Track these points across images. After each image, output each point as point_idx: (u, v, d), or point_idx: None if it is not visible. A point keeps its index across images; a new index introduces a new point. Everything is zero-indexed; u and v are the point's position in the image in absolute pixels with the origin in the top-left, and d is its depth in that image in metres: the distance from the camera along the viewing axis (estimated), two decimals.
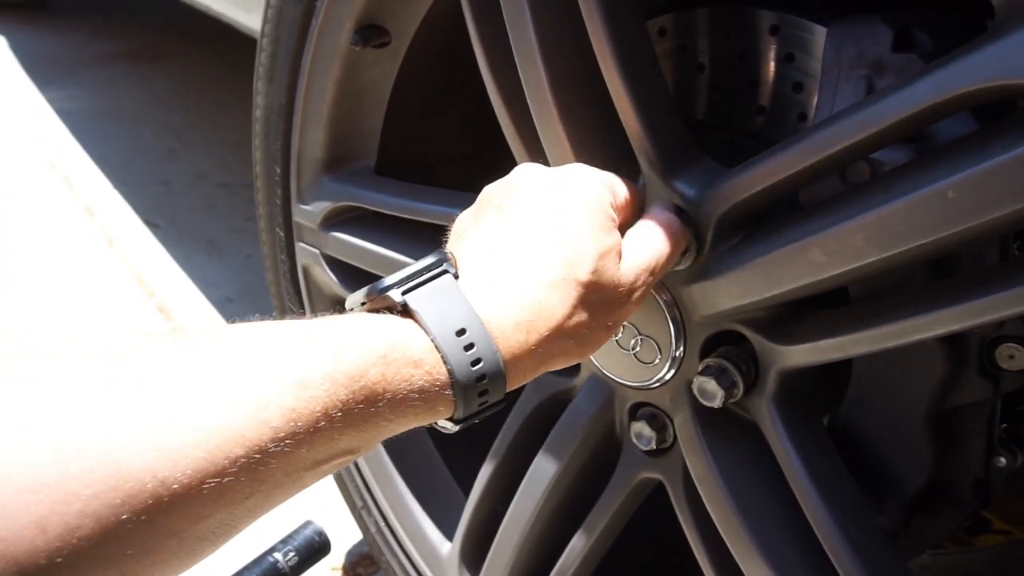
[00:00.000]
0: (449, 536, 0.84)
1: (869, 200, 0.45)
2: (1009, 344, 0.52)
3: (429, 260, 0.46)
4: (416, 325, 0.42)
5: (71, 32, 3.40)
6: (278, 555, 0.66)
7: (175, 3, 2.08)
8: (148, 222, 1.98)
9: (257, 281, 1.74)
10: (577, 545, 0.71)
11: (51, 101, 2.69)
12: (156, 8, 3.49)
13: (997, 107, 0.45)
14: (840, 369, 0.59)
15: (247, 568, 0.65)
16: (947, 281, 0.47)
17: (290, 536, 0.68)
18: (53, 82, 2.86)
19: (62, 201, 2.07)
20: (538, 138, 0.61)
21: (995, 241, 0.50)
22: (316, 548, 0.68)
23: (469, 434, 0.90)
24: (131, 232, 1.94)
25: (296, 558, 0.66)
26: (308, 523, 0.69)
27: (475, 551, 0.81)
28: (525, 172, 0.52)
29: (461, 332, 0.43)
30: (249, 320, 0.42)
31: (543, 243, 0.46)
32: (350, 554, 1.13)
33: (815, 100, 0.62)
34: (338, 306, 0.86)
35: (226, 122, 2.52)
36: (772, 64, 0.63)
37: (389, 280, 0.45)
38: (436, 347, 0.42)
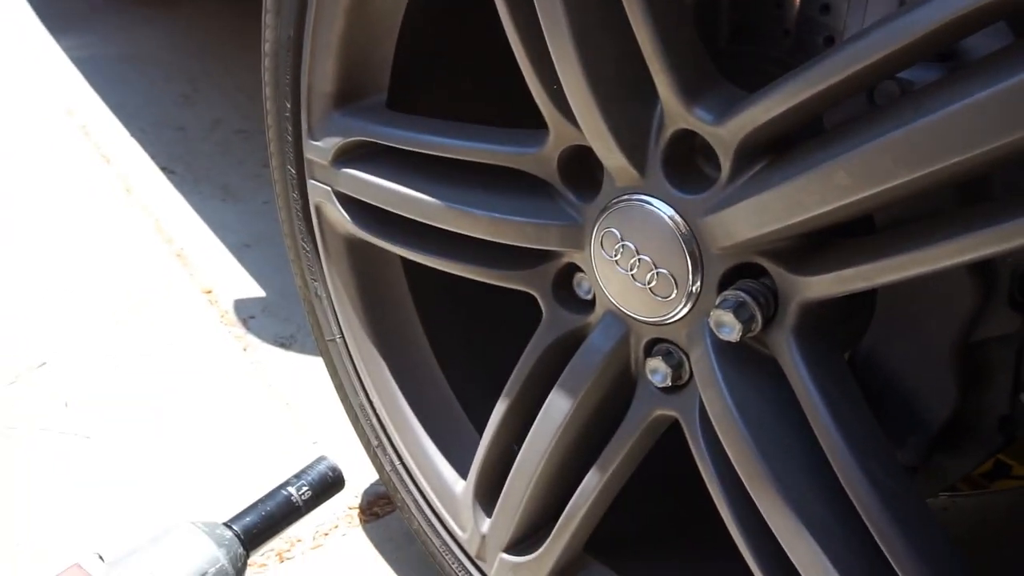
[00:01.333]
0: (463, 474, 0.84)
1: (898, 119, 0.43)
2: None
3: None
4: None
5: None
6: (291, 489, 0.67)
7: None
8: (165, 169, 1.98)
9: (274, 227, 1.73)
10: (591, 483, 0.71)
11: (66, 49, 2.67)
12: None
13: None
14: (863, 303, 0.57)
15: (261, 501, 0.66)
16: (977, 205, 0.45)
17: (304, 471, 0.69)
18: (68, 30, 2.83)
19: (79, 149, 2.07)
20: (552, 64, 0.59)
21: None
22: (330, 483, 0.69)
23: (484, 373, 0.90)
24: (148, 179, 1.93)
25: (309, 492, 0.66)
26: (322, 458, 0.70)
27: (489, 489, 0.81)
28: None
29: None
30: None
31: None
32: (367, 493, 1.14)
33: (843, 22, 0.60)
34: (351, 244, 0.85)
35: (242, 67, 2.50)
36: None
37: None
38: None
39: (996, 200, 0.47)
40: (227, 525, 0.63)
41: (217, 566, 0.57)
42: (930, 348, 0.54)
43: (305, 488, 0.66)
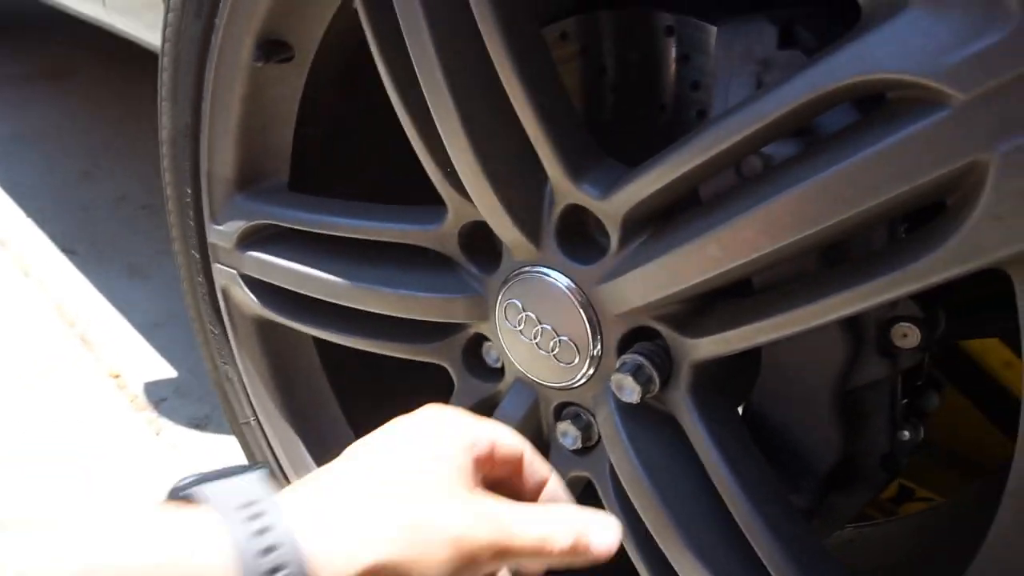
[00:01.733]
0: None
1: (757, 194, 0.47)
2: (903, 324, 0.54)
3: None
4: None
5: None
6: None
7: (81, 22, 2.02)
8: (66, 249, 1.92)
9: (184, 304, 1.71)
10: None
11: None
12: (62, 28, 3.37)
13: (876, 98, 0.47)
14: (751, 359, 0.61)
15: None
16: (840, 267, 0.49)
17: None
18: None
19: None
20: (445, 149, 0.61)
21: (883, 226, 0.52)
22: None
23: None
24: (48, 261, 1.87)
25: None
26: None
27: None
28: (391, 430, 0.47)
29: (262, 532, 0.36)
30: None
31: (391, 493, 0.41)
32: None
33: (712, 97, 0.64)
34: (259, 325, 0.85)
35: (144, 139, 2.46)
36: (671, 64, 0.65)
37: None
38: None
39: (858, 261, 0.51)
40: None
41: None
42: (812, 398, 0.58)
43: None
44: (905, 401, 0.60)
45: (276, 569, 0.35)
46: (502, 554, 0.42)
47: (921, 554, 0.79)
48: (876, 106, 0.44)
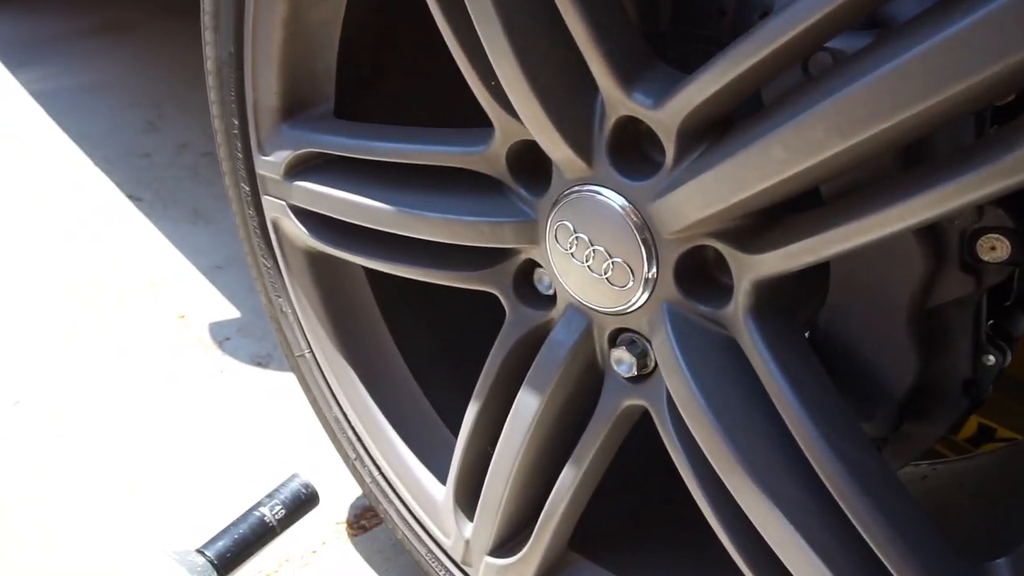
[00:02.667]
0: (443, 480, 0.83)
1: (828, 88, 0.42)
2: (990, 235, 0.49)
3: None
4: None
5: (41, 10, 3.32)
6: (264, 509, 0.66)
7: None
8: (132, 196, 1.96)
9: None
10: (567, 479, 0.70)
11: (25, 83, 2.64)
12: None
13: None
14: (818, 278, 0.57)
15: (234, 524, 0.65)
16: (918, 168, 0.45)
17: (276, 490, 0.68)
18: (28, 63, 2.81)
19: (42, 184, 2.05)
20: (490, 61, 0.58)
21: (970, 122, 0.47)
22: (303, 500, 0.68)
23: (456, 376, 0.89)
24: (116, 207, 1.91)
25: (283, 511, 0.65)
26: (294, 476, 0.69)
27: (468, 493, 0.80)
28: None
29: None
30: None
31: None
32: (353, 507, 1.13)
33: None
34: (310, 257, 0.84)
35: (204, 89, 2.48)
36: None
37: None
38: None
39: (935, 161, 0.47)
40: (200, 552, 0.61)
41: None
42: (887, 318, 0.54)
43: (279, 507, 0.65)
44: (991, 322, 0.55)
45: None
46: None
47: (1000, 491, 0.74)
48: None
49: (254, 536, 0.64)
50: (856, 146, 0.42)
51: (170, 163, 2.11)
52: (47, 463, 1.23)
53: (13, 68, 2.75)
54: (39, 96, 2.54)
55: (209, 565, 0.59)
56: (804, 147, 0.43)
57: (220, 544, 0.61)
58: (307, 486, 0.68)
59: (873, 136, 0.41)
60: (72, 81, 2.65)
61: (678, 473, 0.65)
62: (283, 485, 0.68)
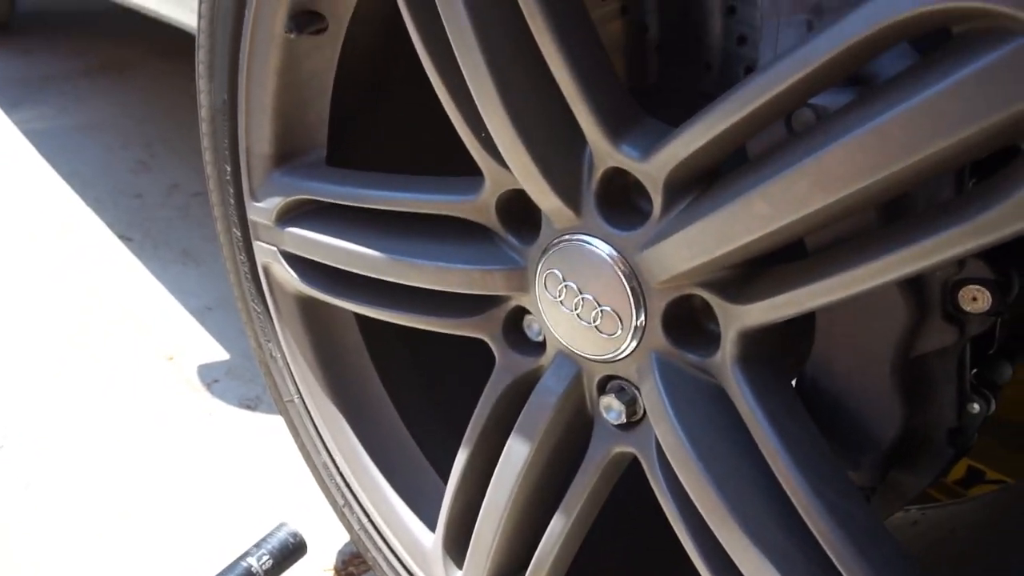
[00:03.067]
0: (432, 527, 0.83)
1: (810, 146, 0.43)
2: (971, 286, 0.50)
3: None
4: None
5: (35, 51, 3.36)
6: (252, 559, 0.65)
7: (136, 15, 2.05)
8: (123, 236, 1.96)
9: None
10: (556, 527, 0.70)
11: (18, 123, 2.66)
12: (118, 21, 3.45)
13: (938, 36, 0.43)
14: (804, 327, 0.57)
15: (222, 571, 0.64)
16: (900, 222, 0.46)
17: (264, 539, 0.67)
18: (22, 103, 2.83)
19: (31, 221, 2.05)
20: (480, 116, 0.59)
21: (950, 178, 0.48)
22: (291, 550, 0.67)
23: (445, 422, 0.89)
24: (106, 247, 1.91)
25: (271, 561, 0.65)
26: (282, 525, 0.68)
27: (457, 540, 0.80)
28: None
29: None
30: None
31: None
32: (341, 553, 1.11)
33: (759, 52, 0.61)
34: (301, 303, 0.84)
35: (195, 130, 2.50)
36: (716, 19, 0.62)
37: None
38: None
39: (919, 216, 0.48)
40: None
41: None
42: (871, 367, 0.54)
43: (266, 557, 0.64)
44: (975, 371, 0.56)
45: None
46: None
47: (991, 539, 0.74)
48: (938, 44, 0.40)
49: None
50: (838, 202, 0.43)
51: (161, 203, 2.12)
52: (36, 501, 1.21)
53: (7, 108, 2.77)
54: (32, 136, 2.55)
55: None
56: (787, 202, 0.44)
57: None
58: (295, 535, 0.67)
59: (855, 192, 0.42)
60: (65, 121, 2.67)
61: (666, 519, 0.65)
62: (271, 535, 0.68)
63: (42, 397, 1.42)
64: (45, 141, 2.50)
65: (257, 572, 0.63)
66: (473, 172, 0.67)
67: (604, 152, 0.56)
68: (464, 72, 0.58)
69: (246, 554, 0.65)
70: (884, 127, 0.42)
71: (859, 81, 0.50)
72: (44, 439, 1.33)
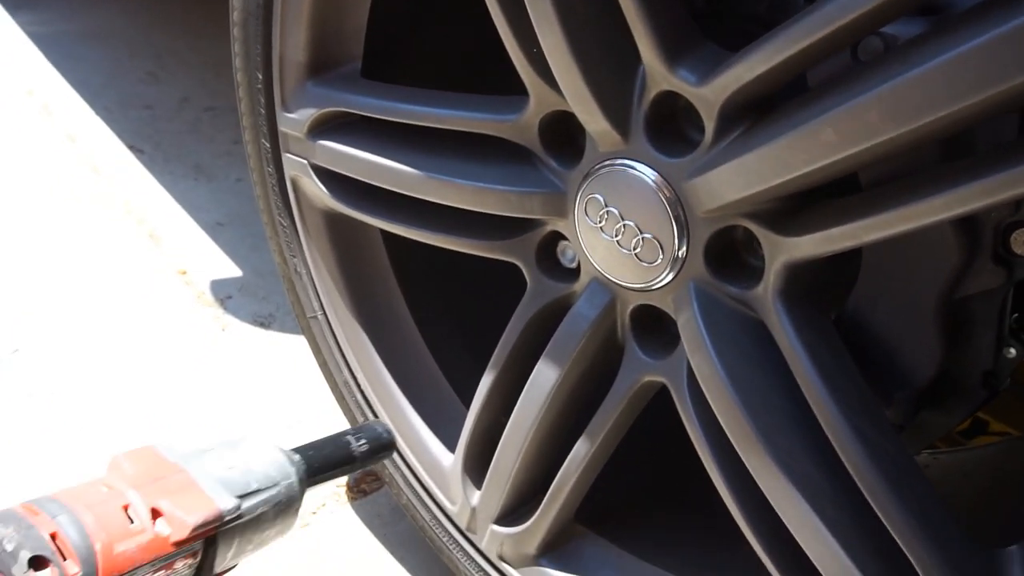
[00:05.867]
0: (451, 447, 0.84)
1: (884, 74, 0.42)
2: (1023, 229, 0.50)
3: None
4: None
5: None
6: (351, 438, 0.66)
7: None
8: (133, 147, 1.93)
9: (248, 205, 1.71)
10: (580, 452, 0.71)
11: (23, 24, 2.59)
12: None
13: None
14: (848, 262, 0.57)
15: (321, 442, 0.65)
16: (961, 160, 0.45)
17: (360, 427, 0.69)
18: (24, 4, 2.75)
19: (42, 129, 2.02)
20: (532, 28, 0.58)
21: (1014, 117, 0.47)
22: (384, 443, 0.68)
23: (469, 344, 0.89)
24: (116, 159, 1.89)
25: (367, 446, 0.66)
26: (376, 420, 0.69)
27: (477, 461, 0.81)
28: None
29: None
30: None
31: None
32: None
33: None
34: (329, 218, 0.84)
35: (208, 42, 2.44)
36: None
37: None
38: None
39: (979, 154, 0.47)
40: (295, 451, 0.61)
41: (288, 482, 0.56)
42: (915, 306, 0.54)
43: (364, 441, 0.65)
44: (1016, 315, 0.56)
45: None
46: None
47: (1006, 485, 0.76)
48: None
49: (338, 459, 0.63)
50: (909, 133, 0.42)
51: (172, 116, 2.08)
52: (46, 408, 1.22)
53: (10, 9, 2.70)
54: (37, 39, 2.49)
55: (301, 465, 0.59)
56: (857, 131, 0.44)
57: (309, 454, 0.61)
58: (388, 431, 0.68)
59: (927, 124, 0.41)
60: (70, 27, 2.61)
61: (682, 450, 0.66)
62: (366, 425, 0.69)
63: (55, 306, 1.43)
64: (51, 47, 2.44)
65: (355, 451, 0.65)
66: (514, 92, 0.65)
67: (659, 74, 0.55)
68: None
69: (345, 433, 0.66)
70: (962, 59, 0.40)
71: (929, 11, 0.49)
72: (58, 349, 1.34)
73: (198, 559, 0.50)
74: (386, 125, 0.74)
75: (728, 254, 0.58)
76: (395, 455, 0.90)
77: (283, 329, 1.39)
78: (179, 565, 0.49)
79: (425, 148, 0.74)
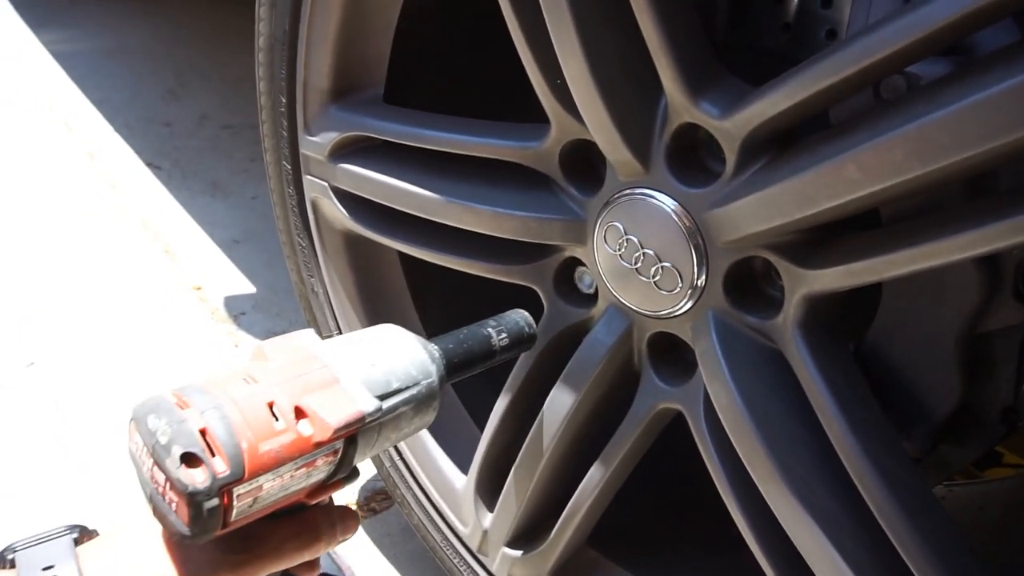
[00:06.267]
0: (464, 469, 0.84)
1: (910, 113, 0.43)
2: None
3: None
4: None
5: None
6: (491, 330, 0.63)
7: None
8: (151, 164, 1.96)
9: (264, 222, 1.73)
10: (594, 477, 0.71)
11: (47, 43, 2.63)
12: None
13: None
14: (868, 295, 0.57)
15: (460, 333, 0.62)
16: (984, 200, 0.45)
17: (500, 318, 0.65)
18: (48, 23, 2.80)
19: (62, 145, 2.05)
20: (557, 60, 0.58)
21: None
22: (525, 336, 0.64)
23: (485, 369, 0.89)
24: (134, 175, 1.91)
25: (507, 339, 0.63)
26: (518, 310, 0.65)
27: (490, 484, 0.81)
28: None
29: None
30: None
31: None
32: (363, 490, 1.13)
33: (846, 15, 0.60)
34: (348, 240, 0.84)
35: (227, 60, 2.48)
36: None
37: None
38: None
39: (1002, 194, 0.47)
40: (434, 343, 0.59)
41: (428, 380, 0.54)
42: (936, 340, 0.54)
43: (504, 334, 0.62)
44: None
45: None
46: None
47: (1012, 522, 0.75)
48: None
49: (478, 352, 0.59)
50: (935, 172, 0.42)
51: (190, 133, 2.11)
52: (64, 419, 1.23)
53: (34, 27, 2.74)
54: (60, 57, 2.53)
55: (441, 359, 0.57)
56: (882, 169, 0.44)
57: (449, 346, 0.58)
58: (530, 324, 0.64)
59: (951, 164, 0.42)
60: (94, 44, 2.65)
61: (694, 476, 0.66)
62: (506, 315, 0.65)
63: (70, 320, 1.44)
64: (74, 64, 2.48)
65: (495, 344, 0.62)
66: (535, 120, 0.66)
67: (681, 107, 0.56)
68: (546, 17, 0.57)
69: (484, 324, 0.63)
70: (990, 100, 0.41)
71: (955, 51, 0.49)
72: (73, 360, 1.35)
73: (338, 456, 0.50)
74: (407, 150, 0.75)
75: (747, 284, 0.58)
76: (408, 476, 0.90)
77: None
78: (320, 463, 0.49)
79: (445, 173, 0.74)
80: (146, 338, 1.40)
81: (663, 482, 0.85)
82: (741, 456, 0.58)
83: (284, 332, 1.44)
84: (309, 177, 0.84)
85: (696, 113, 0.55)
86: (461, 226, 0.73)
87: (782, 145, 0.53)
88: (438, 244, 0.78)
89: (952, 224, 0.45)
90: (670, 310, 0.62)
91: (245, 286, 1.55)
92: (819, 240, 0.53)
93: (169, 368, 1.34)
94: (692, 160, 0.58)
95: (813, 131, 0.52)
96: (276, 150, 0.87)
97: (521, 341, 0.64)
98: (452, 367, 0.58)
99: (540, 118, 0.65)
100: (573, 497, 0.73)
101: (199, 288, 1.53)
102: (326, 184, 0.82)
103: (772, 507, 0.57)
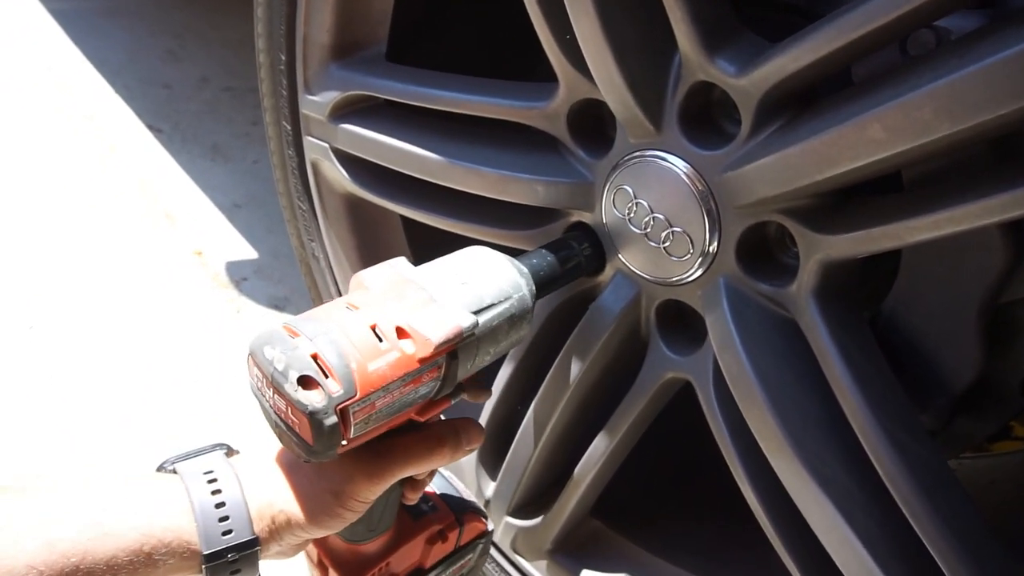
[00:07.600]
0: None
1: (940, 69, 0.41)
2: None
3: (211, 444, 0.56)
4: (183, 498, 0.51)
5: None
6: (573, 241, 0.64)
7: None
8: (151, 127, 1.93)
9: (265, 187, 1.71)
10: (599, 447, 0.70)
11: (44, 1, 2.59)
12: None
13: None
14: (886, 262, 0.55)
15: (545, 248, 0.63)
16: (1013, 162, 0.43)
17: (582, 229, 0.66)
18: None
19: (60, 105, 2.01)
20: (567, 15, 0.56)
21: None
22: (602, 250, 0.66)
23: None
24: (133, 137, 1.88)
25: (590, 249, 0.64)
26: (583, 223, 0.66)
27: (493, 453, 0.80)
28: None
29: (220, 505, 0.51)
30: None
31: None
32: None
33: None
34: (349, 202, 0.82)
35: (228, 22, 2.43)
36: None
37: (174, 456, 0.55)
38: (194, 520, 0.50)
39: None
40: (519, 263, 0.60)
41: (519, 295, 0.55)
42: (957, 310, 0.53)
43: (587, 245, 0.64)
44: None
45: (224, 517, 0.51)
46: (382, 485, 0.54)
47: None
48: None
49: (564, 265, 0.61)
50: (965, 131, 0.40)
51: (190, 96, 2.07)
52: (62, 385, 1.22)
53: None
54: (58, 15, 2.48)
55: (531, 279, 0.57)
56: (908, 128, 0.42)
57: (535, 262, 0.59)
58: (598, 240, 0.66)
59: (983, 123, 0.40)
60: (91, 4, 2.60)
61: (698, 447, 0.64)
62: (587, 228, 0.66)
63: (69, 284, 1.42)
64: (72, 24, 2.43)
65: (578, 255, 0.63)
66: (542, 78, 0.64)
67: (696, 64, 0.53)
68: None
69: (568, 238, 0.64)
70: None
71: (987, 4, 0.47)
72: (71, 325, 1.33)
73: (442, 372, 0.52)
74: (410, 110, 0.73)
75: (761, 250, 0.56)
76: None
77: (298, 312, 1.39)
78: (425, 379, 0.51)
79: (449, 134, 0.72)
80: (146, 303, 1.39)
81: (670, 451, 0.84)
82: (751, 428, 0.57)
83: (286, 298, 1.43)
84: (309, 138, 0.82)
85: (711, 71, 0.53)
86: (465, 189, 0.71)
87: (801, 104, 0.51)
88: (441, 208, 0.76)
89: (978, 187, 0.43)
90: (680, 277, 0.60)
91: (247, 251, 1.53)
92: (837, 204, 0.51)
93: (170, 334, 1.33)
94: (706, 121, 0.56)
95: (834, 90, 0.50)
96: (275, 110, 0.85)
97: (602, 254, 0.64)
98: (541, 282, 0.60)
99: (549, 76, 0.62)
100: (577, 467, 0.72)
101: (200, 253, 1.52)
102: (327, 146, 0.80)
103: (782, 480, 0.56)
